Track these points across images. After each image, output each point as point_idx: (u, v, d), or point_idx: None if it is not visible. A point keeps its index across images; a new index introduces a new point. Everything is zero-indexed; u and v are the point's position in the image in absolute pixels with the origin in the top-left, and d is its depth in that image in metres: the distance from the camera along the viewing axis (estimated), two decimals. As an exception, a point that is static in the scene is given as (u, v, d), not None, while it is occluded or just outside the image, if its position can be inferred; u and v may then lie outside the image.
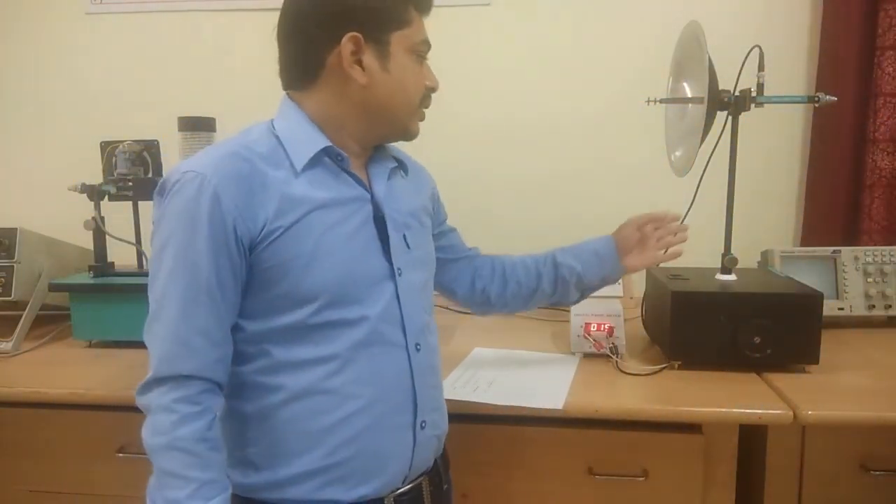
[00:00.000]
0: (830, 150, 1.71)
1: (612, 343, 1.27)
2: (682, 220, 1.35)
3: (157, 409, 0.79)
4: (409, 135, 0.94)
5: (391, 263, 0.89)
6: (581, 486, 1.12)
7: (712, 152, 1.31)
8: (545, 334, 1.48)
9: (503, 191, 1.88)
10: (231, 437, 0.86)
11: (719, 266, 1.32)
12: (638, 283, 1.62)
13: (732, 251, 1.31)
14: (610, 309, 1.32)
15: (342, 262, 0.84)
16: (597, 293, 1.70)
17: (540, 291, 1.16)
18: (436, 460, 0.98)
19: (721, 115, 1.26)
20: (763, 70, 1.25)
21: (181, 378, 0.80)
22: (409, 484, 0.91)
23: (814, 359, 1.19)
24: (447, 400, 1.09)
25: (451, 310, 1.71)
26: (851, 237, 1.71)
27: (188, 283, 0.80)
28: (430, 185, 1.11)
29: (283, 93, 0.94)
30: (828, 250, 1.53)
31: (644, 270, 1.45)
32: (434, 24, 1.94)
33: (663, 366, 1.23)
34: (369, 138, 0.92)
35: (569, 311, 1.35)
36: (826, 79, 1.68)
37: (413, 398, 0.89)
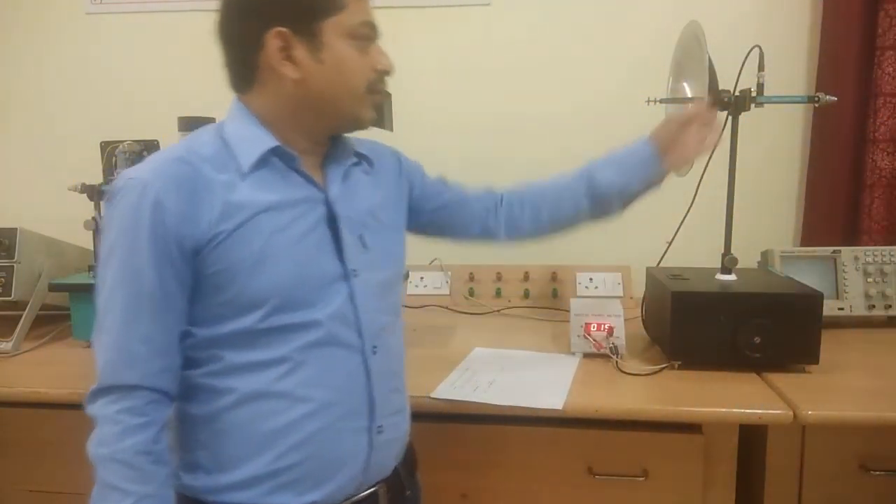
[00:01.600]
0: (830, 150, 1.71)
1: (612, 343, 1.27)
2: (682, 221, 1.36)
3: (102, 420, 0.79)
4: (360, 123, 0.90)
5: (345, 265, 0.87)
6: (581, 486, 1.12)
7: (712, 152, 1.31)
8: (545, 334, 1.48)
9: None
10: (180, 439, 0.86)
11: (719, 266, 1.32)
12: (638, 283, 1.62)
13: (732, 251, 1.31)
14: (610, 309, 1.32)
15: (290, 265, 0.83)
16: (597, 293, 1.72)
17: (579, 214, 1.13)
18: (396, 466, 0.95)
19: (721, 116, 1.26)
20: (763, 70, 1.25)
21: (125, 388, 0.79)
22: (364, 490, 0.89)
23: (814, 359, 1.19)
24: (446, 400, 1.09)
25: (451, 310, 1.72)
26: (851, 237, 1.71)
27: (131, 291, 0.79)
28: (395, 165, 1.07)
29: (234, 97, 0.91)
30: (828, 250, 1.53)
31: (644, 270, 1.46)
32: (434, 24, 1.95)
33: (663, 366, 1.23)
34: (319, 132, 0.90)
35: (569, 311, 1.35)
36: (826, 79, 1.68)
37: (369, 402, 0.87)
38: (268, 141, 0.85)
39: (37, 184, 1.95)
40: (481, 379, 1.18)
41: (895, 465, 1.08)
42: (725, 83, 1.26)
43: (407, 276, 1.49)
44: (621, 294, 1.72)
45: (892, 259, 1.50)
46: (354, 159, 0.95)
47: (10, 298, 1.42)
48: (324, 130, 0.90)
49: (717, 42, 1.26)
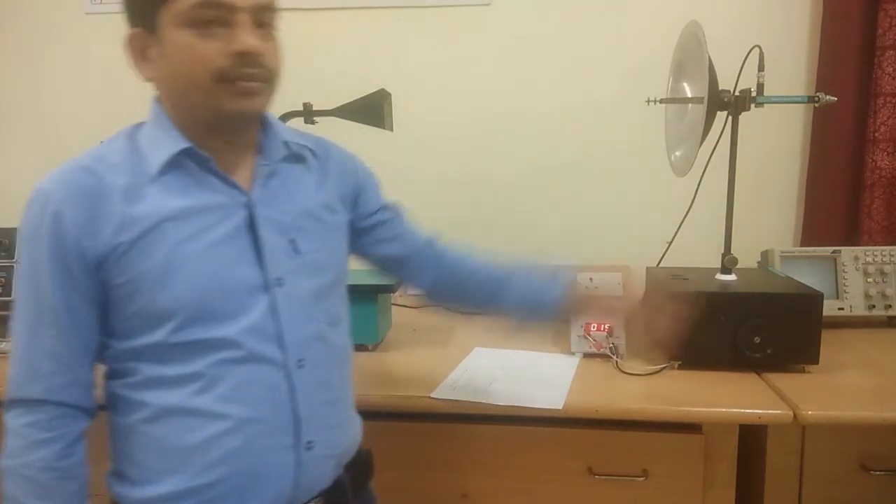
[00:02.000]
0: (830, 150, 1.71)
1: (612, 343, 1.27)
2: (683, 221, 1.36)
3: (10, 432, 0.78)
4: (225, 114, 0.79)
5: (266, 273, 0.81)
6: (581, 486, 1.12)
7: (712, 152, 1.31)
8: (545, 334, 1.48)
9: (503, 190, 1.88)
10: (112, 448, 0.85)
11: (719, 266, 1.32)
12: (638, 283, 1.62)
13: (732, 251, 1.31)
14: (610, 309, 1.32)
15: (201, 275, 0.78)
16: (597, 293, 1.72)
17: (487, 308, 1.07)
18: (341, 478, 0.90)
19: (721, 115, 1.26)
20: (763, 70, 1.25)
21: (31, 402, 0.78)
22: None
23: (814, 359, 1.19)
24: (446, 400, 1.09)
25: (451, 310, 1.72)
26: (851, 237, 1.71)
27: (34, 304, 0.78)
28: (352, 174, 1.01)
29: None
30: (828, 250, 1.53)
31: (644, 270, 1.46)
32: (434, 25, 1.95)
33: (663, 366, 1.23)
34: (202, 126, 0.81)
35: (569, 311, 1.34)
36: (826, 79, 1.68)
37: (294, 418, 0.82)
38: (178, 143, 0.80)
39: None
40: (481, 379, 1.18)
41: (895, 465, 1.08)
42: (725, 83, 1.26)
43: (407, 276, 1.49)
44: (621, 294, 1.72)
45: (892, 259, 1.50)
46: (287, 157, 0.88)
47: (10, 298, 1.42)
48: (208, 126, 0.81)
49: (717, 42, 1.26)
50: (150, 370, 0.80)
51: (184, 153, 0.80)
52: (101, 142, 0.85)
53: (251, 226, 0.82)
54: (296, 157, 0.90)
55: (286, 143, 0.89)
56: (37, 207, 0.78)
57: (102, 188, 0.78)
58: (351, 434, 0.93)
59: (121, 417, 0.82)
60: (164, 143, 0.80)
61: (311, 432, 0.83)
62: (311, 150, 0.92)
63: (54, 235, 0.77)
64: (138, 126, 0.85)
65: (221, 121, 0.81)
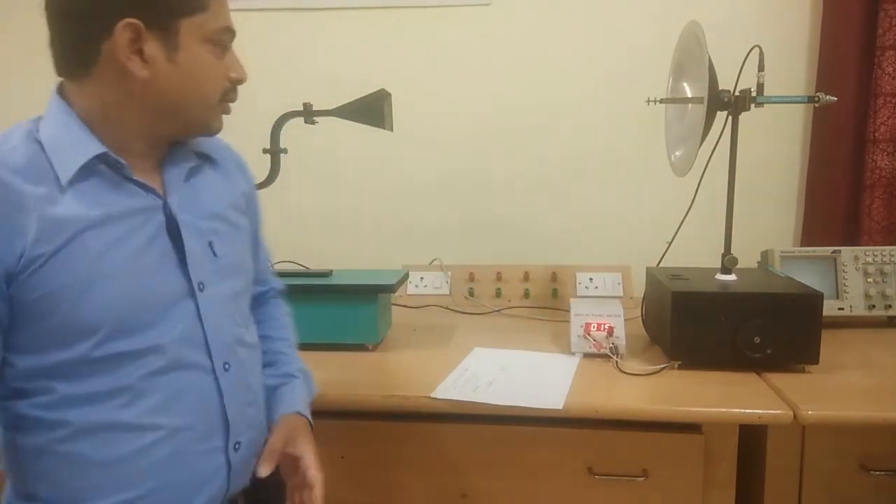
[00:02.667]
0: (830, 150, 1.71)
1: (612, 343, 1.27)
2: (683, 221, 1.36)
3: None
4: (210, 132, 0.83)
5: (190, 279, 0.79)
6: (581, 486, 1.12)
7: (712, 152, 1.31)
8: (545, 334, 1.48)
9: (503, 190, 1.88)
10: (13, 469, 0.79)
11: (719, 266, 1.32)
12: (638, 283, 1.62)
13: (732, 251, 1.31)
14: (610, 309, 1.32)
15: (126, 285, 0.75)
16: (597, 293, 1.72)
17: None
18: (255, 476, 0.87)
19: (721, 115, 1.26)
20: (763, 70, 1.25)
21: None
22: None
23: (814, 359, 1.19)
24: (446, 400, 1.09)
25: (450, 310, 1.72)
26: (851, 237, 1.71)
27: None
28: (246, 177, 0.99)
29: (57, 83, 0.80)
30: (828, 250, 1.53)
31: (644, 270, 1.46)
32: (434, 24, 1.95)
33: (663, 366, 1.23)
34: (158, 136, 0.81)
35: (569, 311, 1.35)
36: (826, 79, 1.68)
37: (223, 421, 0.81)
38: (91, 147, 0.75)
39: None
40: (481, 379, 1.18)
41: (895, 465, 1.08)
42: (725, 83, 1.26)
43: (406, 276, 1.49)
44: (621, 294, 1.72)
45: (892, 259, 1.50)
46: (195, 160, 0.86)
47: None
48: (165, 135, 0.82)
49: (717, 42, 1.26)
50: (66, 388, 0.74)
51: (97, 158, 0.75)
52: None
53: (170, 231, 0.79)
54: (202, 161, 0.88)
55: (193, 150, 0.87)
56: None
57: (11, 195, 0.71)
58: (266, 432, 0.91)
59: (30, 438, 0.76)
60: (75, 148, 0.75)
61: (238, 433, 0.83)
62: (213, 152, 0.91)
63: None
64: (34, 122, 0.78)
65: (197, 133, 0.83)
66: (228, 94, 0.82)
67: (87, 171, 0.75)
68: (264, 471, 0.85)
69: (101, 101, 0.77)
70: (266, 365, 0.97)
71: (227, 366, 0.82)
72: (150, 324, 0.76)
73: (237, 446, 0.83)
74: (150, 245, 0.77)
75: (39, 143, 0.75)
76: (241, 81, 0.83)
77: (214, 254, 0.83)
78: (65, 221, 0.72)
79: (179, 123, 0.80)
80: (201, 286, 0.80)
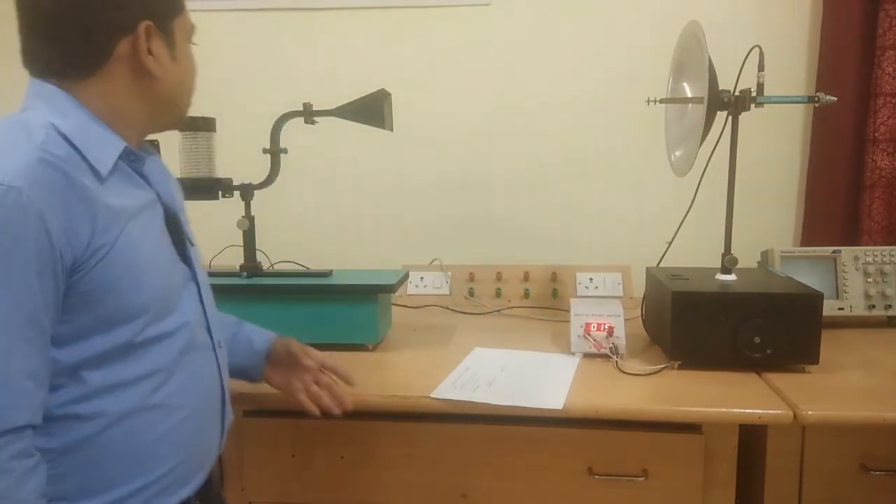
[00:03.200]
0: (830, 150, 1.71)
1: (612, 343, 1.27)
2: (683, 221, 1.36)
3: None
4: (181, 123, 0.93)
5: (190, 265, 0.86)
6: (581, 486, 1.12)
7: (712, 152, 1.31)
8: (545, 334, 1.48)
9: (503, 190, 1.88)
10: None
11: (719, 266, 1.32)
12: (638, 283, 1.62)
13: (732, 251, 1.31)
14: (610, 309, 1.32)
15: (160, 271, 0.80)
16: (597, 293, 1.72)
17: None
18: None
19: (721, 115, 1.26)
20: (763, 70, 1.25)
21: (15, 430, 0.70)
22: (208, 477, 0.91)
23: (814, 359, 1.19)
24: (446, 400, 1.09)
25: (451, 310, 1.72)
26: (851, 237, 1.71)
27: (14, 320, 0.69)
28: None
29: (38, 83, 0.81)
30: (828, 250, 1.53)
31: (644, 270, 1.46)
32: (434, 24, 1.95)
33: (663, 366, 1.23)
34: (153, 129, 0.87)
35: (569, 311, 1.35)
36: (826, 79, 1.68)
37: (222, 394, 0.90)
38: (117, 142, 0.79)
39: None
40: (481, 379, 1.18)
41: (895, 465, 1.08)
42: (725, 83, 1.26)
43: (406, 276, 1.49)
44: (621, 294, 1.72)
45: (892, 259, 1.50)
46: (156, 153, 0.92)
47: None
48: (158, 128, 0.87)
49: (717, 42, 1.26)
50: (100, 377, 0.76)
51: (122, 152, 0.80)
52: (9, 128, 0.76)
53: (168, 221, 0.86)
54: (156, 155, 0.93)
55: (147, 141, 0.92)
56: (9, 208, 0.68)
57: (72, 185, 0.72)
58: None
59: (56, 439, 0.75)
60: (106, 142, 0.78)
61: (227, 405, 0.92)
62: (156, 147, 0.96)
63: (39, 239, 0.69)
64: (41, 117, 0.77)
65: (175, 124, 0.91)
66: (195, 87, 0.90)
67: (115, 166, 0.78)
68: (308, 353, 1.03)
69: (108, 99, 0.79)
70: None
71: (220, 343, 0.90)
72: (175, 306, 0.82)
73: (225, 416, 0.92)
74: (162, 234, 0.83)
75: (65, 137, 0.75)
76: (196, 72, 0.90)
77: (192, 243, 0.91)
78: (117, 212, 0.76)
79: (173, 115, 0.87)
80: (195, 272, 0.88)
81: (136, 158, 0.82)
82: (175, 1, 0.83)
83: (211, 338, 0.88)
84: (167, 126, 0.89)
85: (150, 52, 0.79)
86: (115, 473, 0.78)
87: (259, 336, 1.07)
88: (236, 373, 1.04)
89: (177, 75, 0.83)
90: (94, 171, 0.76)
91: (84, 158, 0.75)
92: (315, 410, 1.03)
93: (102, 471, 0.77)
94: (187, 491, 0.84)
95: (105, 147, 0.77)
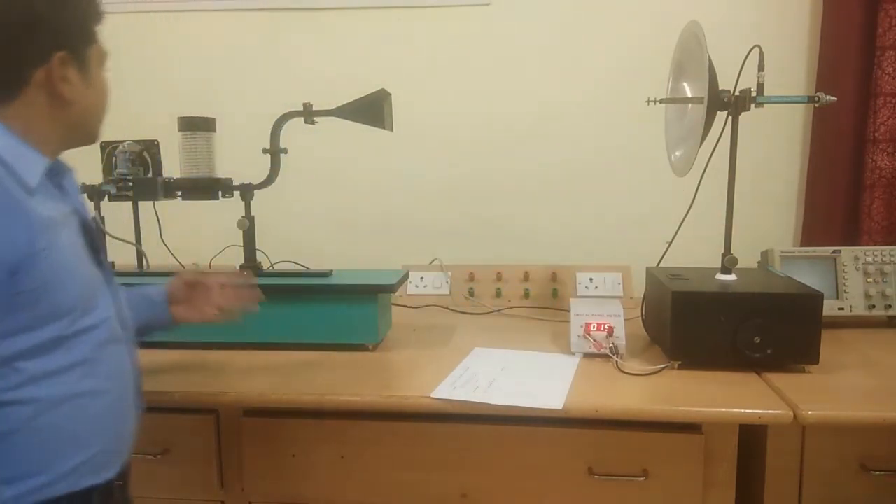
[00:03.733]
0: (830, 150, 1.71)
1: (612, 343, 1.27)
2: (683, 221, 1.36)
3: None
4: (95, 140, 0.98)
5: (103, 269, 0.94)
6: (581, 486, 1.12)
7: (712, 152, 1.31)
8: (545, 334, 1.48)
9: (504, 190, 1.88)
10: None
11: (719, 266, 1.32)
12: (638, 283, 1.62)
13: (732, 251, 1.31)
14: (610, 309, 1.32)
15: (84, 273, 0.88)
16: (597, 293, 1.72)
17: None
18: None
19: (721, 115, 1.26)
20: (763, 70, 1.25)
21: None
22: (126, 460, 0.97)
23: (814, 359, 1.19)
24: (446, 400, 1.09)
25: (451, 310, 1.72)
26: (851, 237, 1.71)
27: None
28: None
29: None
30: (828, 250, 1.53)
31: (644, 270, 1.46)
32: (434, 24, 1.95)
33: (663, 366, 1.23)
34: (63, 149, 0.94)
35: (569, 311, 1.35)
36: (826, 79, 1.68)
37: (136, 384, 0.97)
38: (42, 159, 0.86)
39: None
40: (481, 379, 1.18)
41: (895, 465, 1.08)
42: (725, 83, 1.26)
43: (406, 276, 1.49)
44: (621, 294, 1.72)
45: (892, 259, 1.50)
46: (70, 169, 0.98)
47: None
48: (69, 147, 0.94)
49: (717, 42, 1.26)
50: (33, 367, 0.82)
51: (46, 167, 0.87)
52: None
53: (83, 230, 0.92)
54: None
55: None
56: None
57: (9, 197, 0.79)
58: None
59: None
60: (32, 157, 0.85)
61: (139, 395, 0.99)
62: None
63: None
64: None
65: (89, 142, 0.96)
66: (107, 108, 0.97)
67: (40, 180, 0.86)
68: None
69: (27, 121, 0.86)
70: None
71: (132, 339, 0.99)
72: (97, 304, 0.89)
73: (139, 406, 0.99)
74: (80, 240, 0.90)
75: None
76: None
77: (103, 249, 0.98)
78: (48, 221, 0.82)
79: (85, 135, 0.94)
80: (109, 275, 0.96)
81: (57, 173, 0.90)
82: (88, 32, 0.90)
83: (125, 332, 0.96)
84: (80, 144, 0.95)
85: (64, 79, 0.86)
86: (49, 455, 0.84)
87: (152, 288, 1.16)
88: (147, 328, 1.13)
89: (89, 100, 0.91)
90: (24, 184, 0.82)
91: (14, 173, 0.82)
92: (234, 316, 1.15)
93: (38, 453, 0.84)
94: (111, 472, 0.90)
95: (32, 164, 0.84)
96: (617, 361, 1.25)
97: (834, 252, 1.52)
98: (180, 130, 1.39)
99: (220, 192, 1.41)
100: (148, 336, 1.13)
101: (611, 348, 1.27)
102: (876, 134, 1.65)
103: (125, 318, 0.97)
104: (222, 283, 1.16)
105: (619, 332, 1.28)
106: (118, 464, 0.92)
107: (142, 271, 1.54)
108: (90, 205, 1.29)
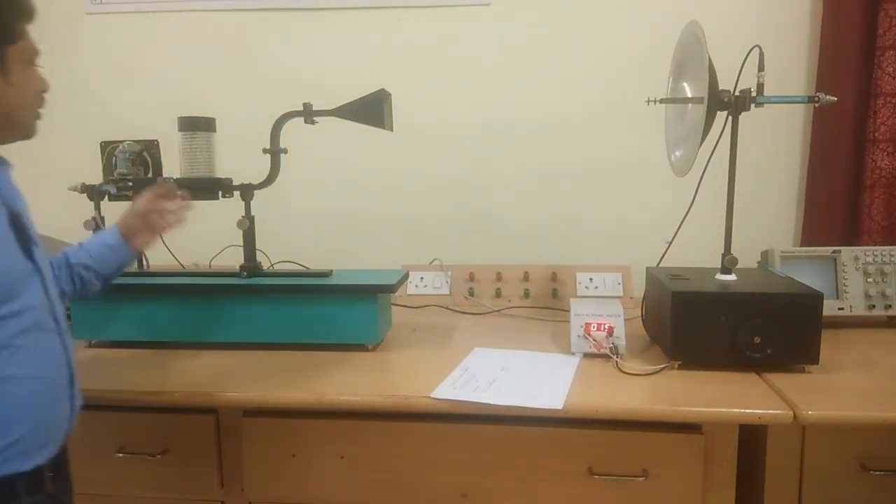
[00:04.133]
0: (830, 150, 1.71)
1: (612, 343, 1.27)
2: (683, 221, 1.36)
3: None
4: (31, 135, 1.01)
5: (34, 261, 0.96)
6: (581, 486, 1.12)
7: (712, 152, 1.31)
8: (545, 334, 1.48)
9: (503, 190, 1.88)
10: None
11: (719, 266, 1.32)
12: (638, 283, 1.62)
13: (732, 251, 1.31)
14: (610, 309, 1.32)
15: (8, 261, 0.91)
16: (597, 293, 1.72)
17: (61, 292, 1.16)
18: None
19: (721, 115, 1.26)
20: (763, 70, 1.25)
21: None
22: (60, 451, 0.98)
23: (814, 359, 1.19)
24: (446, 400, 1.09)
25: (451, 310, 1.72)
26: (851, 237, 1.71)
27: None
28: None
29: None
30: (828, 250, 1.53)
31: (644, 270, 1.46)
32: (434, 24, 1.95)
33: (663, 366, 1.23)
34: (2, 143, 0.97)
35: (569, 311, 1.35)
36: (826, 79, 1.68)
37: (69, 374, 0.98)
38: None
39: (37, 184, 1.94)
40: (481, 379, 1.18)
41: (895, 465, 1.08)
42: (725, 83, 1.26)
43: (406, 276, 1.49)
44: (621, 294, 1.72)
45: (892, 259, 1.50)
46: (7, 165, 1.01)
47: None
48: (5, 142, 0.98)
49: (717, 42, 1.26)
50: None
51: None
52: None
53: (11, 221, 0.94)
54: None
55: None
56: None
57: None
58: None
59: None
60: None
61: (76, 386, 1.00)
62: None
63: None
64: None
65: (21, 138, 1.00)
66: (40, 102, 1.00)
67: None
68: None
69: None
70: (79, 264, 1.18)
71: (66, 329, 1.00)
72: (21, 292, 0.92)
73: (75, 397, 1.00)
74: (8, 233, 0.93)
75: None
76: (46, 90, 1.00)
77: (35, 242, 0.99)
78: None
79: (15, 132, 0.98)
80: (40, 267, 0.97)
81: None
82: (9, 31, 0.91)
83: (57, 324, 0.97)
84: (14, 139, 0.99)
85: None
86: None
87: (105, 235, 1.20)
88: (116, 268, 1.20)
89: (11, 98, 0.93)
90: None
91: None
92: (181, 220, 1.23)
93: None
94: (40, 458, 0.92)
95: None
96: (617, 361, 1.25)
97: (834, 252, 1.52)
98: (180, 130, 1.39)
99: (220, 192, 1.41)
100: (112, 280, 1.22)
101: (611, 348, 1.27)
102: (876, 134, 1.65)
103: (58, 310, 0.99)
104: (159, 195, 1.22)
105: (619, 332, 1.28)
106: (46, 452, 0.93)
107: (142, 271, 1.54)
108: (94, 204, 1.27)
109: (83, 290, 1.20)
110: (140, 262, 1.56)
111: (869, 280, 1.50)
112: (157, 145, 1.50)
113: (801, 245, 1.78)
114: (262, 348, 1.35)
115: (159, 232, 1.23)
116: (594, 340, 1.28)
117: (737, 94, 1.25)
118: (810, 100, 1.28)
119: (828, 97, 1.26)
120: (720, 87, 1.25)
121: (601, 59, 1.81)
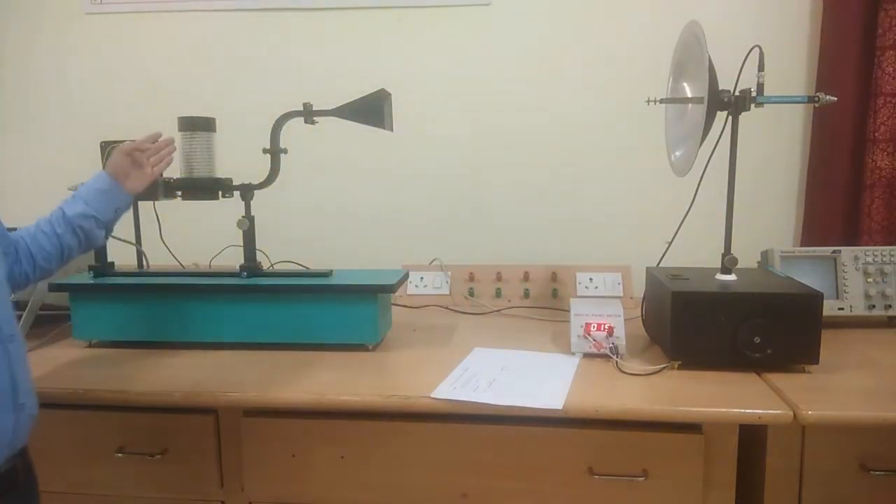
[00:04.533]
0: (830, 150, 1.71)
1: (612, 343, 1.27)
2: (683, 221, 1.36)
3: None
4: None
5: None
6: (581, 486, 1.12)
7: (712, 152, 1.31)
8: (545, 334, 1.48)
9: (503, 192, 1.88)
10: None
11: (719, 266, 1.32)
12: (638, 283, 1.62)
13: (732, 251, 1.31)
14: (610, 309, 1.32)
15: None
16: (597, 293, 1.72)
17: (68, 248, 1.16)
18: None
19: (721, 115, 1.26)
20: (763, 70, 1.25)
21: None
22: (7, 465, 0.95)
23: (814, 359, 1.19)
24: (446, 400, 1.09)
25: (451, 310, 1.72)
26: (851, 237, 1.71)
27: None
28: None
29: None
30: (828, 250, 1.53)
31: (644, 270, 1.46)
32: (434, 24, 1.95)
33: (663, 366, 1.23)
34: None
35: (569, 311, 1.35)
36: (826, 79, 1.68)
37: (12, 383, 0.94)
38: None
39: (37, 184, 1.95)
40: (481, 379, 1.18)
41: (895, 465, 1.08)
42: (725, 83, 1.26)
43: (406, 276, 1.49)
44: (621, 294, 1.72)
45: (892, 259, 1.50)
46: None
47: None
48: None
49: (717, 42, 1.26)
50: None
51: None
52: None
53: None
54: None
55: None
56: None
57: None
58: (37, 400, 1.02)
59: None
60: None
61: (22, 395, 0.95)
62: None
63: None
64: None
65: None
66: None
67: None
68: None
69: None
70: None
71: (11, 336, 0.96)
72: None
73: (21, 406, 0.95)
74: None
75: None
76: None
77: None
78: None
79: None
80: None
81: None
82: None
83: (0, 331, 0.94)
84: None
85: None
86: None
87: (97, 181, 1.19)
88: (115, 213, 1.19)
89: None
90: None
91: None
92: (168, 160, 1.25)
93: None
94: None
95: None
96: (617, 361, 1.25)
97: (834, 252, 1.52)
98: (180, 130, 1.39)
99: (220, 192, 1.41)
100: (113, 227, 1.22)
101: (611, 348, 1.27)
102: (876, 134, 1.65)
103: (7, 317, 0.96)
104: (149, 141, 1.23)
105: (619, 332, 1.28)
106: None
107: (142, 271, 1.54)
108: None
109: (88, 242, 1.18)
110: (140, 262, 1.56)
111: (869, 280, 1.50)
112: (157, 145, 1.50)
113: (801, 245, 1.78)
114: (262, 348, 1.35)
115: (148, 170, 1.22)
116: (594, 340, 1.28)
117: (737, 94, 1.25)
118: (810, 100, 1.28)
119: (828, 97, 1.26)
120: (720, 87, 1.25)
121: (601, 59, 1.81)
